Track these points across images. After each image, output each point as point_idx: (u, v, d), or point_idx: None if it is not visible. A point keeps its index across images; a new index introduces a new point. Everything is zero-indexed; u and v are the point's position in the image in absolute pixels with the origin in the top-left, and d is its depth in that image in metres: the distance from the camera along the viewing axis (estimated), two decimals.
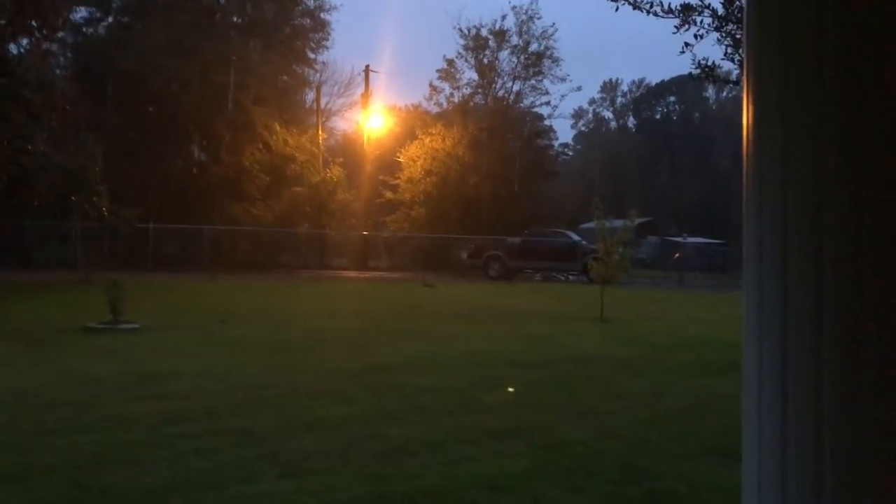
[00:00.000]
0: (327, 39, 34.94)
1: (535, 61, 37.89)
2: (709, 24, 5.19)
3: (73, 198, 18.11)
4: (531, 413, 6.21)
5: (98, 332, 10.17)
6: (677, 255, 30.14)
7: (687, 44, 5.32)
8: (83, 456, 4.63)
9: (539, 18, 37.19)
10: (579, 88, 48.43)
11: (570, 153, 69.29)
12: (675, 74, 64.53)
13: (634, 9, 5.13)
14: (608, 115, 75.34)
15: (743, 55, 0.93)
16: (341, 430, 5.48)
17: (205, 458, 4.66)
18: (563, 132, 68.13)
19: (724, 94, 65.65)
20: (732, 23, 5.08)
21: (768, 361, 0.85)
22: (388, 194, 33.96)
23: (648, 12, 5.15)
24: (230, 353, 8.73)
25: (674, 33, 5.28)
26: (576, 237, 28.04)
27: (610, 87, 73.01)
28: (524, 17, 36.91)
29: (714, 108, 70.11)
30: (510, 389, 7.21)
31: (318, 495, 4.24)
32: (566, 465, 4.81)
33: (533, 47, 37.64)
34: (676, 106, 70.96)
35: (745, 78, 0.92)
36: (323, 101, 38.03)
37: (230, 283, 20.00)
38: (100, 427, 5.27)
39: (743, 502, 0.91)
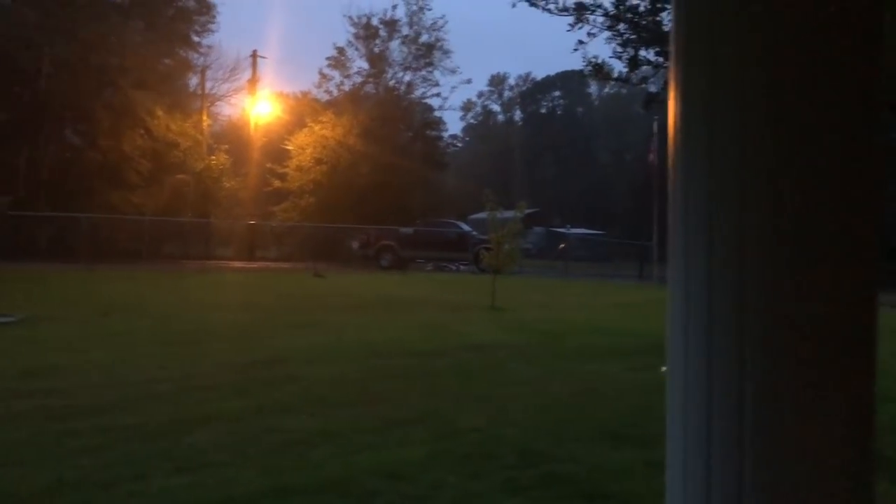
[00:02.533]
0: (213, 23, 33.94)
1: (426, 52, 38.10)
2: (601, 24, 5.38)
3: None
4: (429, 401, 6.27)
5: None
6: (562, 245, 31.03)
7: (581, 41, 5.49)
8: None
9: (429, 10, 37.46)
10: (469, 81, 49.06)
11: (460, 145, 70.05)
12: (559, 70, 66.36)
13: (531, 5, 5.26)
14: (496, 108, 76.62)
15: (671, 47, 0.97)
16: (237, 423, 5.37)
17: (94, 456, 4.47)
18: (453, 124, 68.87)
19: (607, 90, 67.95)
20: (624, 22, 5.29)
21: (693, 355, 0.87)
22: (277, 183, 33.35)
23: (544, 9, 5.29)
24: (115, 347, 8.37)
25: (568, 31, 5.45)
26: (466, 227, 28.40)
27: (498, 81, 74.26)
28: (414, 7, 37.04)
29: (597, 103, 72.46)
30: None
31: (216, 490, 4.15)
32: (465, 452, 4.89)
33: (423, 38, 37.87)
34: (561, 100, 72.86)
35: (671, 70, 0.95)
36: (208, 86, 36.85)
37: (110, 273, 19.16)
38: None
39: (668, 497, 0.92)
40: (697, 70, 0.89)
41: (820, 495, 0.79)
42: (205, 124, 33.14)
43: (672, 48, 0.94)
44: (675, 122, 0.92)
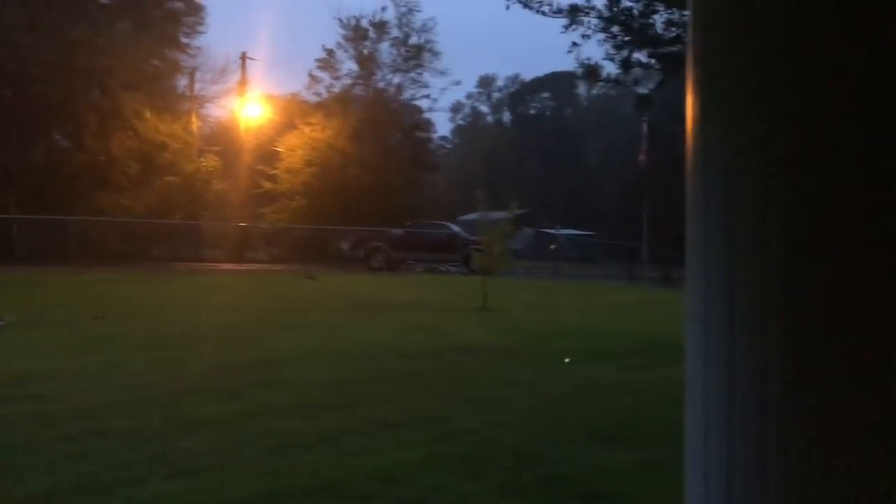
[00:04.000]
0: (202, 24, 33.76)
1: (416, 54, 38.06)
2: (595, 25, 5.41)
3: None
4: (424, 404, 6.28)
5: None
6: (553, 245, 31.10)
7: (575, 43, 5.52)
8: None
9: (419, 11, 37.40)
10: (458, 83, 49.06)
11: (449, 146, 70.06)
12: (548, 71, 66.50)
13: (525, 8, 5.27)
14: (485, 109, 76.68)
15: (687, 46, 0.97)
16: (232, 426, 5.36)
17: (89, 460, 4.46)
18: (442, 125, 68.89)
19: (595, 91, 68.16)
20: (617, 24, 5.31)
21: (714, 352, 0.86)
22: (267, 184, 33.26)
23: (538, 11, 5.30)
24: (107, 351, 8.33)
25: (562, 32, 5.47)
26: (456, 229, 28.41)
27: (486, 82, 74.33)
28: (404, 9, 37.02)
29: (585, 104, 72.61)
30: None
31: (213, 494, 4.14)
32: (461, 454, 4.90)
33: (413, 40, 37.83)
34: (550, 102, 72.98)
35: (688, 70, 0.95)
36: (197, 88, 36.73)
37: (99, 276, 19.05)
38: None
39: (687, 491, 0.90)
40: (716, 67, 0.88)
41: (844, 495, 0.80)
42: (194, 126, 33.01)
43: (689, 45, 0.95)
44: (693, 120, 0.91)
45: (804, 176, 0.81)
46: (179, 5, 33.10)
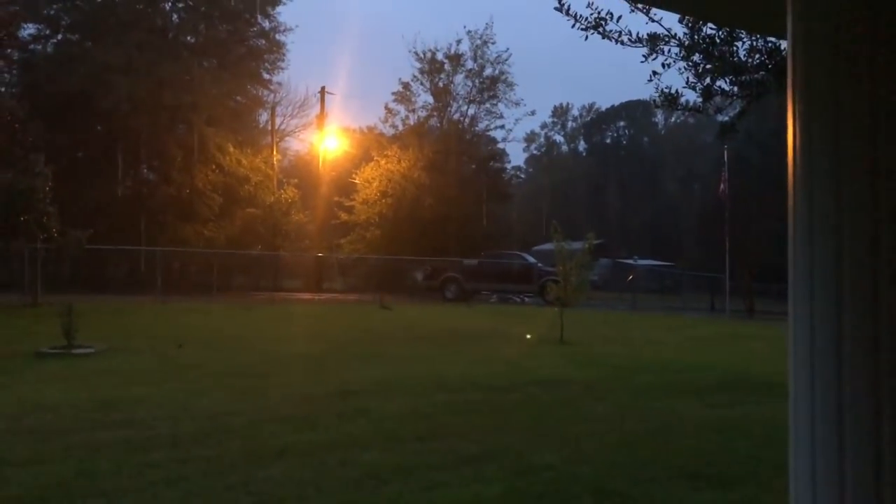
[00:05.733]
0: (282, 60, 34.87)
1: (490, 85, 38.33)
2: (675, 54, 5.32)
3: (21, 218, 17.60)
4: (501, 437, 6.20)
5: (51, 357, 9.88)
6: (630, 276, 30.57)
7: (654, 72, 5.43)
8: (46, 487, 4.47)
9: (493, 43, 37.73)
10: (533, 113, 49.37)
11: (523, 176, 70.04)
12: (625, 99, 65.98)
13: (604, 38, 5.22)
14: (559, 139, 76.46)
15: (788, 79, 0.94)
16: (311, 457, 5.39)
17: (174, 487, 4.54)
18: (516, 155, 69.01)
19: (673, 119, 67.25)
20: (698, 52, 5.21)
21: (820, 374, 0.84)
22: (343, 216, 33.86)
23: (617, 41, 5.25)
24: (190, 379, 8.54)
25: (642, 62, 5.39)
26: (531, 259, 28.24)
27: (561, 112, 74.15)
28: (479, 41, 37.40)
29: (662, 132, 71.63)
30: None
31: None
32: (539, 491, 4.80)
33: (487, 72, 38.13)
34: (626, 130, 72.28)
35: (789, 102, 0.92)
36: (277, 122, 37.86)
37: (182, 305, 19.65)
38: (62, 457, 5.10)
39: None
40: (820, 91, 0.86)
41: None
42: (274, 159, 33.96)
43: (789, 74, 0.93)
44: (795, 151, 0.90)
45: None
46: (261, 42, 34.26)
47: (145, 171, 32.33)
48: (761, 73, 5.59)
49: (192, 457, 5.24)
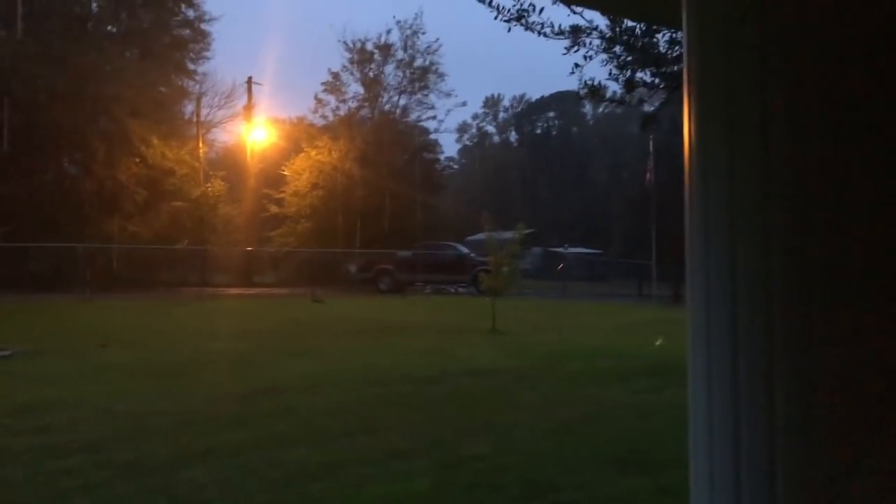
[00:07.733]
0: (208, 50, 33.98)
1: (421, 76, 38.26)
2: (597, 46, 5.36)
3: None
4: (431, 430, 6.19)
5: None
6: (561, 265, 30.97)
7: (577, 65, 5.47)
8: None
9: (424, 34, 37.63)
10: (464, 104, 49.36)
11: (456, 167, 70.17)
12: (554, 90, 66.70)
13: (526, 30, 5.23)
14: (491, 129, 76.82)
15: (684, 65, 0.93)
16: (237, 456, 5.28)
17: (91, 495, 4.38)
18: (448, 146, 69.12)
19: (601, 110, 68.26)
20: (619, 44, 5.27)
21: (717, 366, 0.84)
22: (274, 208, 33.33)
23: (540, 33, 5.26)
24: (112, 380, 8.27)
25: (564, 54, 5.42)
26: (465, 249, 28.32)
27: (492, 103, 74.47)
28: (409, 31, 37.24)
29: (591, 123, 72.69)
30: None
31: None
32: (469, 482, 4.81)
33: (418, 62, 38.05)
34: (556, 121, 73.08)
35: (685, 88, 0.91)
36: (203, 113, 36.93)
37: (107, 303, 19.07)
38: None
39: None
40: (715, 87, 0.87)
41: None
42: (201, 151, 33.13)
43: (686, 66, 0.94)
44: (691, 141, 0.90)
45: (805, 197, 0.79)
46: (185, 32, 33.35)
47: (66, 164, 31.14)
48: (681, 64, 5.69)
49: (111, 461, 5.07)
